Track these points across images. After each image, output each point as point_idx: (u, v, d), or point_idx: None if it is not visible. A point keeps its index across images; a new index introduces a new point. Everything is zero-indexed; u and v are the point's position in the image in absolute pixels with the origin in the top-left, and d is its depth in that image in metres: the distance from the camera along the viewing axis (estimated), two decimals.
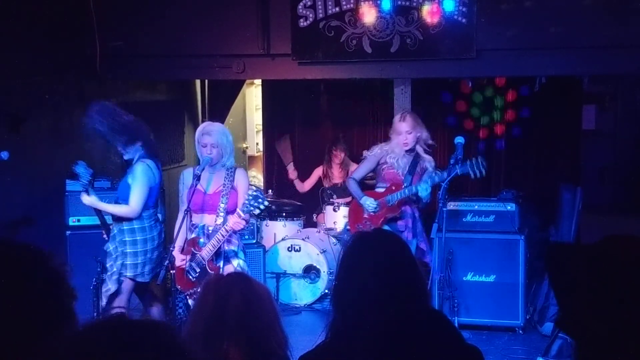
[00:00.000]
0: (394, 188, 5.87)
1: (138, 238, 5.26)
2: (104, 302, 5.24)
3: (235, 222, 4.86)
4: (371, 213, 5.94)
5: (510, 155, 8.71)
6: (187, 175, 5.20)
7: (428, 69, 6.61)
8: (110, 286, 5.25)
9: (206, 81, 9.12)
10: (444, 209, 4.90)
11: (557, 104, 8.27)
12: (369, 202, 5.88)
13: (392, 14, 6.34)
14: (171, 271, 4.88)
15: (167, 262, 4.83)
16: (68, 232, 6.37)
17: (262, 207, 4.88)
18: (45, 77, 6.46)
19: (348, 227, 6.56)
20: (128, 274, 5.24)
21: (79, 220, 6.43)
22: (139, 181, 5.21)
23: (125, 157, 5.35)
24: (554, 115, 8.36)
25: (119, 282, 5.26)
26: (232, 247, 5.10)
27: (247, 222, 5.01)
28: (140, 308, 5.64)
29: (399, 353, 2.10)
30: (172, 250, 4.89)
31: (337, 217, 7.82)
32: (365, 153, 6.40)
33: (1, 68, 5.96)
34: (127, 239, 5.25)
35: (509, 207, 6.41)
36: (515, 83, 8.22)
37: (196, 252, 5.00)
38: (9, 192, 6.02)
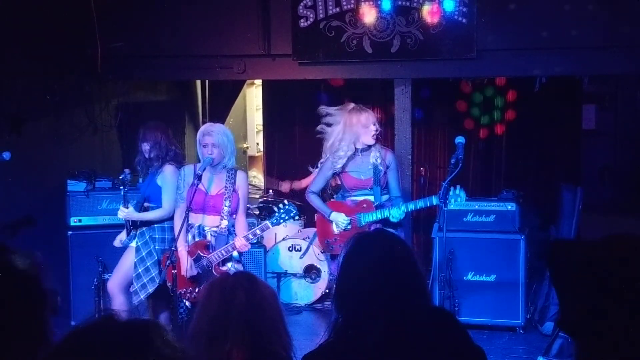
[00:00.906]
0: (365, 206, 5.45)
1: (167, 237, 5.43)
2: (147, 292, 5.35)
3: (242, 244, 4.97)
4: (341, 230, 5.48)
5: (511, 155, 8.71)
6: (188, 172, 5.19)
7: (428, 69, 6.62)
8: (150, 289, 5.37)
9: (207, 81, 9.13)
10: (445, 208, 4.89)
11: (557, 103, 8.28)
12: (340, 220, 5.44)
13: (393, 14, 6.35)
14: (173, 271, 4.88)
15: (168, 261, 4.83)
16: (69, 233, 6.38)
17: (291, 221, 5.05)
18: (46, 78, 6.47)
19: (316, 242, 6.16)
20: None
21: (80, 221, 6.45)
22: (170, 183, 5.37)
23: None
24: (554, 115, 8.36)
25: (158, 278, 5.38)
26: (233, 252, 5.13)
27: (251, 244, 5.14)
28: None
29: (402, 352, 2.11)
30: (175, 250, 4.89)
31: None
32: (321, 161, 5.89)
33: (2, 69, 5.97)
34: (157, 236, 5.42)
35: (509, 207, 6.41)
36: (515, 83, 8.22)
37: (203, 255, 5.01)
38: (10, 192, 6.03)
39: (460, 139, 5.05)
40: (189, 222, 5.06)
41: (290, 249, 7.54)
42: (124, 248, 5.55)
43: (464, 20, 6.24)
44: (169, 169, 5.40)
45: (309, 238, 7.57)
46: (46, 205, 6.39)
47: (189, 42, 6.91)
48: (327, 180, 5.77)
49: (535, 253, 6.74)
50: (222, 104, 9.38)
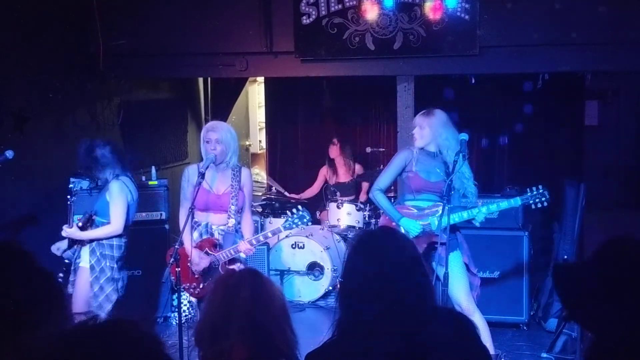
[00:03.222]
0: (436, 210, 4.99)
1: (115, 254, 5.31)
2: (106, 310, 5.26)
3: (247, 249, 4.98)
4: (412, 237, 4.88)
5: (514, 152, 8.71)
6: (191, 172, 5.17)
7: (431, 66, 6.61)
8: (108, 307, 5.27)
9: (209, 79, 9.13)
10: (448, 205, 4.87)
11: (560, 100, 8.27)
12: (413, 226, 4.96)
13: (395, 11, 6.34)
14: (177, 269, 4.88)
15: (172, 259, 4.84)
16: None
17: (303, 227, 5.15)
18: (48, 76, 6.47)
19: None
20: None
21: None
22: (118, 199, 5.27)
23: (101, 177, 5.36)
24: (556, 112, 8.36)
25: (117, 291, 5.32)
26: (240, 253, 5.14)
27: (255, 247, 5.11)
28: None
29: (406, 352, 2.11)
30: (177, 248, 4.88)
31: (340, 214, 7.83)
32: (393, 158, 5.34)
33: (5, 67, 5.98)
34: (107, 252, 5.29)
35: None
36: (518, 79, 8.21)
37: (211, 252, 5.01)
38: (13, 190, 6.04)
39: (463, 136, 5.02)
40: (195, 220, 5.07)
41: (294, 246, 7.54)
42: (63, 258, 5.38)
43: (466, 17, 6.23)
44: (115, 185, 5.26)
45: (311, 235, 7.57)
46: (49, 204, 6.39)
47: (191, 40, 6.91)
48: (395, 178, 5.22)
49: (538, 250, 6.74)
50: (224, 101, 9.39)
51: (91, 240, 5.28)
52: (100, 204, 5.34)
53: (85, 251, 5.29)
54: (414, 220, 5.02)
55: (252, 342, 2.34)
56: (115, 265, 5.31)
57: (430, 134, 5.10)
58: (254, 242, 4.97)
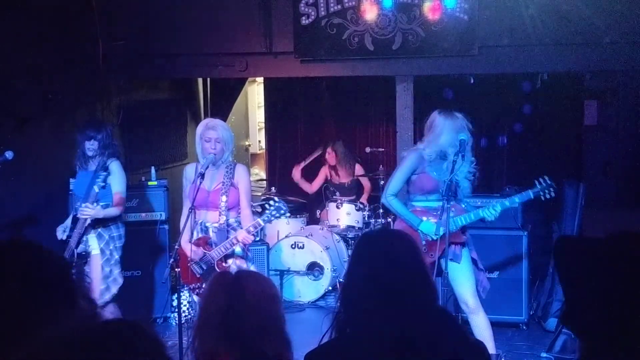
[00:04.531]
0: (453, 210, 4.91)
1: (122, 232, 5.49)
2: (107, 296, 5.33)
3: (245, 237, 4.94)
4: (431, 239, 4.94)
5: (513, 152, 8.71)
6: (189, 170, 5.18)
7: (430, 66, 6.62)
8: (114, 290, 5.37)
9: (208, 79, 9.14)
10: (447, 205, 4.87)
11: (559, 99, 8.27)
12: (434, 229, 4.91)
13: (394, 11, 6.35)
14: (176, 269, 4.88)
15: (171, 259, 4.84)
16: None
17: (282, 218, 5.10)
18: (48, 77, 6.48)
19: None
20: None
21: None
22: (120, 176, 5.43)
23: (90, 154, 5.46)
24: (555, 111, 8.36)
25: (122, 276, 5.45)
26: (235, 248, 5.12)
27: (254, 236, 5.09)
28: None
29: (405, 350, 2.12)
30: (177, 248, 4.89)
31: (340, 214, 7.83)
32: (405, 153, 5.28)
33: (5, 68, 5.98)
34: (115, 234, 5.43)
35: None
36: (517, 79, 8.22)
37: (206, 251, 5.00)
38: (13, 191, 6.04)
39: (462, 136, 5.03)
40: (196, 219, 5.07)
41: (293, 246, 7.54)
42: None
43: (465, 17, 6.24)
44: (115, 165, 5.43)
45: (311, 235, 7.57)
46: (49, 204, 6.40)
47: (191, 40, 6.92)
48: (405, 181, 5.11)
49: (538, 249, 6.74)
50: (223, 101, 9.40)
51: (95, 227, 5.33)
52: (100, 189, 5.37)
53: (93, 239, 5.37)
54: (433, 224, 4.94)
55: (237, 347, 2.27)
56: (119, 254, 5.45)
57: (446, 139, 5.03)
58: (251, 229, 4.93)
